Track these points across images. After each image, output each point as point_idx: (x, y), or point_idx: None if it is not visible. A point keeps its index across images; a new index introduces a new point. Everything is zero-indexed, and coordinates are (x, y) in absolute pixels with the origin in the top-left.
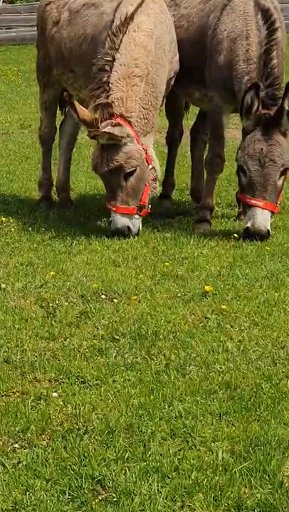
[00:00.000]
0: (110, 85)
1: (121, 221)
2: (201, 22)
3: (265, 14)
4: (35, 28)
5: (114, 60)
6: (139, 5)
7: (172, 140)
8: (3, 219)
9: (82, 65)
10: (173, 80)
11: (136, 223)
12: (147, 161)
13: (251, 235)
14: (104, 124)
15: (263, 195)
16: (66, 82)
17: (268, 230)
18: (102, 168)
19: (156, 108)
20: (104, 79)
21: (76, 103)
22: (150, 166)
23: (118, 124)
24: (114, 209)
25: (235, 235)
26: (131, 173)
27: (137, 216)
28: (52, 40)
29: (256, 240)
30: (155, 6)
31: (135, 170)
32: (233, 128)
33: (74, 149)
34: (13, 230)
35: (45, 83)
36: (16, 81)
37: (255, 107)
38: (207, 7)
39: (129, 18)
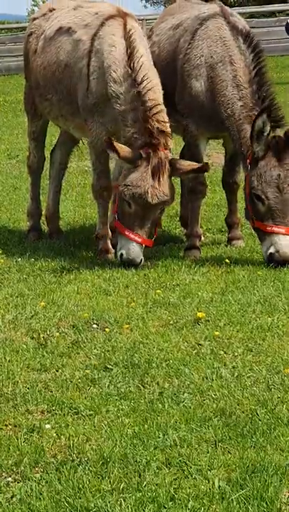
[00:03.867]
0: (154, 109)
1: (139, 253)
2: (172, 47)
3: (246, 37)
4: (20, 58)
5: (142, 83)
6: (127, 33)
7: None
8: None
9: (57, 92)
10: None
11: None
12: None
13: (276, 261)
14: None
15: (284, 222)
16: (44, 111)
17: None
18: (152, 199)
19: None
20: (145, 105)
21: (115, 143)
22: None
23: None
24: (139, 240)
25: (227, 260)
26: (164, 208)
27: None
28: (32, 69)
29: (282, 266)
30: (136, 32)
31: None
32: (218, 153)
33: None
34: (2, 261)
35: (32, 114)
36: (2, 111)
37: (266, 132)
38: (177, 32)
39: (132, 46)
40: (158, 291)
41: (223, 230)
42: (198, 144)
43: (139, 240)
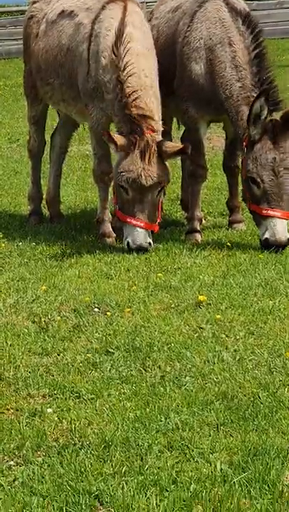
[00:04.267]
0: (141, 93)
1: (146, 238)
2: (171, 30)
3: (246, 19)
4: (20, 42)
5: (125, 69)
6: (124, 16)
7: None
8: None
9: (59, 76)
10: None
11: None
12: None
13: (271, 245)
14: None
15: (280, 205)
16: (45, 95)
17: (288, 239)
18: (146, 181)
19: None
20: (125, 88)
21: (114, 134)
22: None
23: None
24: (142, 225)
25: (228, 243)
26: (162, 189)
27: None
28: (32, 53)
29: (276, 251)
30: (137, 17)
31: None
32: (219, 136)
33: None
34: (3, 245)
35: (32, 98)
36: (3, 95)
37: (264, 115)
38: (176, 15)
39: (122, 31)
40: (159, 274)
41: (224, 213)
42: (198, 128)
43: (142, 224)
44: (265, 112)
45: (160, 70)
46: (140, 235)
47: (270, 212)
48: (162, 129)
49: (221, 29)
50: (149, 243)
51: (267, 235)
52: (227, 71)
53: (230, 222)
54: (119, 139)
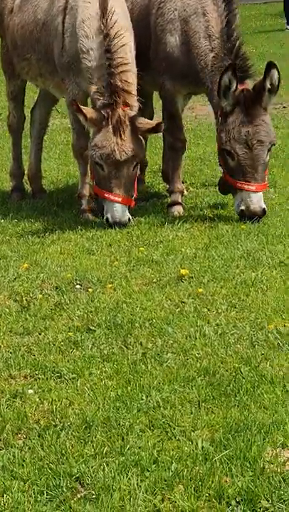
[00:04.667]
0: (120, 68)
1: (124, 213)
2: (144, 2)
3: None
4: None
5: (114, 39)
6: None
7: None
8: None
9: (35, 51)
10: None
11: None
12: None
13: (247, 217)
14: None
15: (254, 178)
16: (22, 71)
17: (264, 209)
18: (120, 156)
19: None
20: (112, 60)
21: (82, 106)
22: None
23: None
24: (119, 200)
25: (210, 215)
26: (138, 163)
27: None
28: (7, 29)
29: (252, 222)
30: None
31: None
32: (202, 105)
33: (45, 136)
34: None
35: (9, 74)
36: None
37: (233, 88)
38: None
39: (105, 3)
40: (141, 248)
41: (206, 184)
42: (176, 101)
43: (120, 199)
44: (235, 84)
45: (135, 43)
46: (119, 211)
47: (245, 186)
48: (138, 104)
49: (196, 0)
50: (128, 218)
51: (242, 207)
52: (201, 42)
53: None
54: (89, 112)
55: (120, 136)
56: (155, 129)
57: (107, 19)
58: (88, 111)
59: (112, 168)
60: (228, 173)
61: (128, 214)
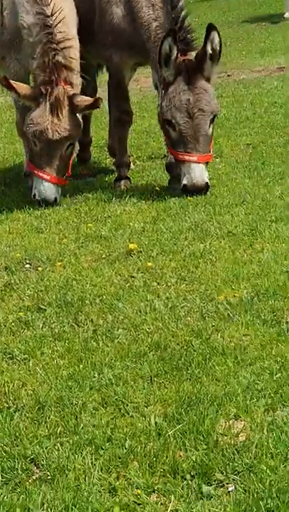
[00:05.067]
0: (60, 45)
1: (52, 191)
2: None
3: None
4: None
5: (52, 15)
6: None
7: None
8: None
9: None
10: None
11: (60, 193)
12: None
13: (190, 191)
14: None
15: (196, 148)
16: None
17: (207, 183)
18: (53, 135)
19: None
20: (53, 35)
21: (12, 82)
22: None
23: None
24: (48, 178)
25: (157, 188)
26: (72, 143)
27: (61, 186)
28: None
29: (195, 194)
30: None
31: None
32: (146, 77)
33: None
34: None
35: None
36: None
37: (174, 56)
38: None
39: None
40: (89, 224)
41: (153, 156)
42: (123, 74)
43: (49, 177)
44: (175, 52)
45: (79, 17)
46: (46, 189)
47: (186, 157)
48: (80, 81)
49: None
50: (55, 198)
51: (185, 181)
52: (144, 11)
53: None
54: (22, 88)
55: (57, 114)
56: (93, 105)
57: None
58: (21, 87)
59: (44, 146)
60: (171, 145)
61: (56, 193)
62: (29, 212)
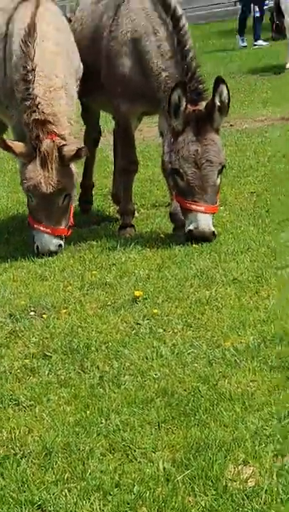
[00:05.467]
0: (38, 99)
1: (54, 242)
2: (94, 23)
3: (164, 4)
4: None
5: (33, 70)
6: (34, 14)
7: (90, 143)
8: None
9: None
10: (77, 89)
11: (62, 242)
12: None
13: (196, 237)
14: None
15: (203, 198)
16: None
17: (213, 231)
18: (47, 188)
19: (74, 123)
20: (30, 90)
21: (9, 142)
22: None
23: (67, 144)
24: (48, 231)
25: (162, 235)
26: (69, 194)
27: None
28: None
29: (201, 243)
30: (50, 13)
31: (73, 191)
32: (149, 127)
33: None
34: None
35: None
36: None
37: (183, 106)
38: (99, 8)
39: (32, 29)
40: (94, 272)
41: (157, 204)
42: (130, 123)
43: (49, 230)
44: (184, 103)
45: (86, 65)
46: (47, 241)
47: (194, 207)
48: (69, 129)
49: (145, 19)
50: (60, 245)
51: (191, 227)
52: (153, 61)
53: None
54: (18, 146)
55: (47, 168)
56: (78, 155)
57: (28, 47)
58: (17, 146)
59: (40, 200)
60: (178, 194)
61: (58, 242)
62: (33, 260)
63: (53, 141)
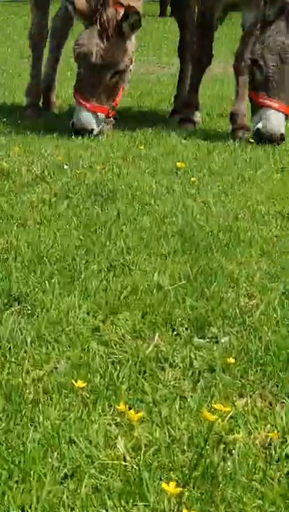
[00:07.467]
0: None
1: (88, 121)
2: None
3: None
4: None
5: None
6: None
7: (184, 49)
8: None
9: None
10: None
11: (100, 124)
12: (131, 61)
13: (262, 137)
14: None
15: (279, 95)
16: None
17: (282, 134)
18: (97, 59)
19: None
20: None
21: None
22: (131, 67)
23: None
24: (87, 105)
25: (219, 129)
26: (118, 72)
27: (103, 116)
28: None
29: (268, 143)
30: None
31: (124, 70)
32: None
33: (62, 55)
34: None
35: None
36: (25, 28)
37: None
38: None
39: None
40: (141, 147)
41: (224, 115)
42: (213, 13)
43: (87, 105)
44: None
45: None
46: (82, 117)
47: (267, 102)
48: (139, 3)
49: None
50: (92, 129)
51: (259, 125)
52: None
53: (234, 130)
54: (80, 2)
55: (103, 38)
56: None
57: None
58: (78, 1)
59: (86, 70)
60: (253, 88)
61: (94, 123)
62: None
63: (117, 11)
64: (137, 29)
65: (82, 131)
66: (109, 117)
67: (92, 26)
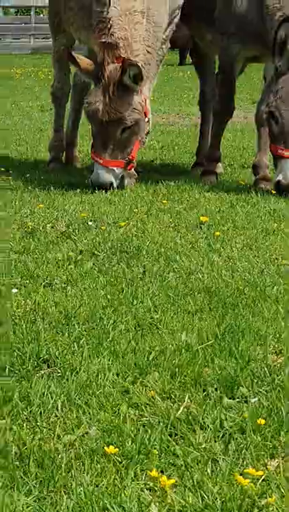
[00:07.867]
0: (111, 22)
1: (105, 176)
2: None
3: None
4: None
5: None
6: None
7: (204, 101)
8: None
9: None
10: (177, 18)
11: (119, 177)
12: (145, 114)
13: (283, 189)
14: (112, 67)
15: None
16: (67, 22)
17: None
18: (103, 116)
19: (157, 51)
20: (104, 13)
21: (75, 54)
22: (146, 119)
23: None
24: (101, 161)
25: (241, 182)
26: (129, 127)
27: (121, 170)
28: None
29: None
30: None
31: (135, 124)
32: None
33: None
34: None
35: (55, 28)
36: (46, 80)
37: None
38: None
39: None
40: (164, 201)
41: (245, 166)
42: (234, 67)
43: (101, 161)
44: None
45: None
46: (98, 173)
47: (285, 153)
48: (143, 57)
49: None
50: (111, 182)
51: (279, 177)
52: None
53: (256, 180)
54: (84, 62)
55: (108, 94)
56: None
57: None
58: (83, 61)
59: (97, 128)
60: (272, 140)
61: (112, 177)
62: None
63: (119, 67)
64: (140, 81)
65: (100, 187)
66: (129, 170)
67: (99, 83)
